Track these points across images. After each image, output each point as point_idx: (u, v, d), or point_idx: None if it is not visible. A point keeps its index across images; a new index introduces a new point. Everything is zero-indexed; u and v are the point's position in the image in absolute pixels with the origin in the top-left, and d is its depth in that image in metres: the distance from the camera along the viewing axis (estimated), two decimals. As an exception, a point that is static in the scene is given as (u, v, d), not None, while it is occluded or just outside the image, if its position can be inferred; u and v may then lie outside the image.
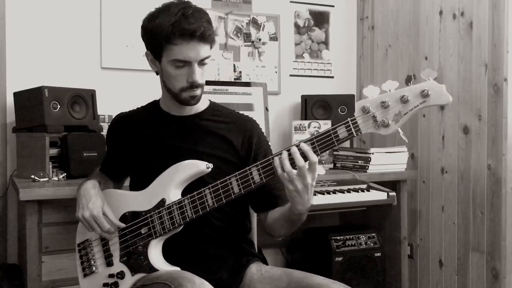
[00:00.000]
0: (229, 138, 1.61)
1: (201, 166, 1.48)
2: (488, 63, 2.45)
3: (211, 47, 1.53)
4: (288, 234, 1.59)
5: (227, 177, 1.44)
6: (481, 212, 2.50)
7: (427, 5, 2.83)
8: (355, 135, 1.33)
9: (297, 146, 1.36)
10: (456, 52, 2.63)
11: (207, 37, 1.48)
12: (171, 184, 1.51)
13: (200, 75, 1.52)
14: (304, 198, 1.38)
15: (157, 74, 1.61)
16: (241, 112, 1.73)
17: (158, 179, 1.54)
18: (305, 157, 1.34)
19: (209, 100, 1.70)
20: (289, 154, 1.35)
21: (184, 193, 1.51)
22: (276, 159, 1.37)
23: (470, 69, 2.55)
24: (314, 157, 1.33)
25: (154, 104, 1.70)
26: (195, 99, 1.56)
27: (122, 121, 1.72)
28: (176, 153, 1.56)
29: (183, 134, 1.61)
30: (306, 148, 1.34)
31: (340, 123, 1.35)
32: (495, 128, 2.42)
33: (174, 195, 1.51)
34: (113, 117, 1.76)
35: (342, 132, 1.34)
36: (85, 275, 1.64)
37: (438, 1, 2.75)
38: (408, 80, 1.30)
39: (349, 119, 1.34)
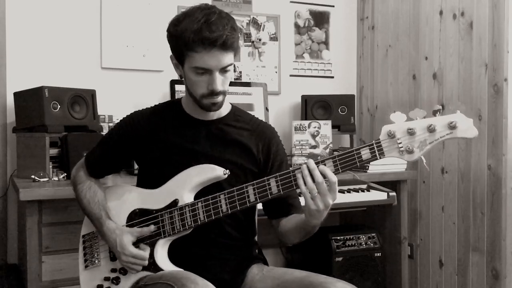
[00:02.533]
0: (249, 146, 1.61)
1: (218, 172, 1.47)
2: (488, 63, 2.45)
3: (235, 54, 1.50)
4: (300, 242, 1.60)
5: (243, 185, 1.44)
6: (481, 212, 2.50)
7: (427, 5, 2.83)
8: (378, 158, 1.35)
9: (317, 163, 1.37)
10: (456, 52, 2.63)
11: (229, 45, 1.44)
12: (186, 186, 1.51)
13: (221, 83, 1.49)
14: (322, 215, 1.40)
15: (181, 78, 1.59)
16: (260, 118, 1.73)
17: (174, 180, 1.53)
18: (323, 176, 1.36)
19: (231, 104, 1.69)
20: (309, 170, 1.36)
21: (198, 196, 1.50)
22: (299, 176, 1.38)
23: (470, 69, 2.55)
24: (332, 177, 1.35)
25: (176, 104, 1.67)
26: (216, 106, 1.54)
27: (140, 118, 1.65)
28: (194, 156, 1.56)
29: (204, 138, 1.60)
30: (324, 167, 1.36)
31: (364, 145, 1.36)
32: (495, 128, 2.42)
33: (187, 197, 1.50)
34: (129, 113, 1.68)
35: (365, 153, 1.36)
36: (86, 267, 1.63)
37: (438, 1, 2.75)
38: (435, 112, 1.32)
39: (374, 141, 1.35)
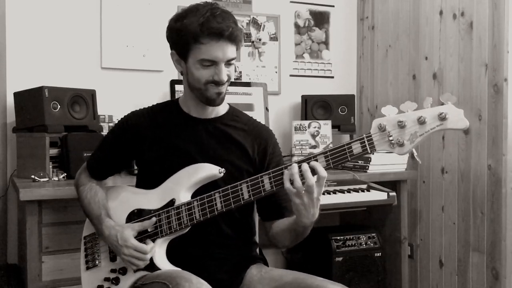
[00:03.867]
0: (245, 146, 1.62)
1: (214, 171, 1.48)
2: (488, 63, 2.45)
3: (237, 49, 1.53)
4: (291, 246, 1.60)
5: (238, 183, 1.45)
6: (481, 212, 2.50)
7: (427, 5, 2.83)
8: (369, 152, 1.34)
9: (308, 161, 1.36)
10: (456, 52, 2.63)
11: (235, 37, 1.48)
12: (183, 185, 1.52)
13: (226, 75, 1.52)
14: (310, 212, 1.39)
15: (182, 74, 1.60)
16: (257, 120, 1.74)
17: (171, 179, 1.54)
18: (314, 171, 1.34)
19: (228, 104, 1.70)
20: (300, 170, 1.35)
21: (196, 195, 1.51)
22: (286, 172, 1.37)
23: (470, 69, 2.55)
24: (323, 172, 1.34)
25: (173, 104, 1.68)
26: (220, 98, 1.55)
27: (137, 118, 1.65)
28: (191, 155, 1.57)
29: (201, 137, 1.60)
30: (315, 163, 1.35)
31: (355, 139, 1.36)
32: (495, 128, 2.42)
33: (184, 196, 1.51)
34: (126, 114, 1.68)
35: (356, 147, 1.35)
36: (87, 268, 1.65)
37: (438, 1, 2.75)
38: (427, 103, 1.30)
39: (364, 135, 1.34)
